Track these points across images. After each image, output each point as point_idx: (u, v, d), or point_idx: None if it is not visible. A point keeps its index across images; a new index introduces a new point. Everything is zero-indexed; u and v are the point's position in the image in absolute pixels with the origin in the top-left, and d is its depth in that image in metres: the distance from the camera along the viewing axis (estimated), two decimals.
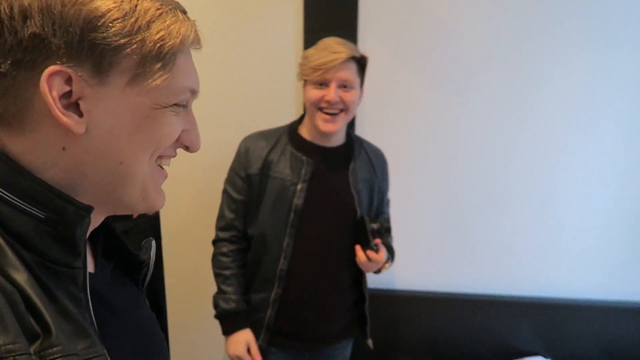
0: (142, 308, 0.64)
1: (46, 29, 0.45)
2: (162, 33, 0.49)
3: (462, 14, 1.60)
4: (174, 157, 0.58)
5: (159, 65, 0.50)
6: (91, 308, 0.51)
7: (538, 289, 1.82)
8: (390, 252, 1.44)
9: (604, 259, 1.77)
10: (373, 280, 1.79)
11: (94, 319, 0.51)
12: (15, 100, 0.47)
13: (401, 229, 1.77)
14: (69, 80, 0.47)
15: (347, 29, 1.61)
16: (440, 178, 1.74)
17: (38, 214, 0.47)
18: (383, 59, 1.65)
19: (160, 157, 0.55)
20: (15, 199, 0.47)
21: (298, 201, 1.31)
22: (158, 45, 0.49)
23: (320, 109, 1.28)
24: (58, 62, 0.46)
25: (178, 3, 0.53)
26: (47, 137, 0.48)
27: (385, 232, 1.37)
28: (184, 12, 0.54)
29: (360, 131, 1.69)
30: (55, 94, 0.46)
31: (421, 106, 1.69)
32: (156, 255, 0.70)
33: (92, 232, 0.58)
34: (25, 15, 0.45)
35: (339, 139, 1.38)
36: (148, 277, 0.67)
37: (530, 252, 1.78)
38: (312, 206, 1.33)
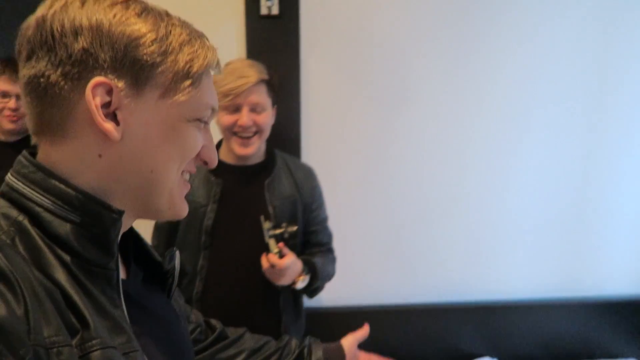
0: (170, 314, 0.68)
1: (94, 45, 0.51)
2: (191, 55, 0.56)
3: (398, 31, 1.67)
4: (193, 172, 0.63)
5: (188, 82, 0.56)
6: (124, 308, 0.55)
7: (480, 293, 1.91)
8: (313, 267, 1.37)
9: (538, 260, 1.89)
10: (318, 299, 1.81)
11: (127, 318, 0.55)
12: (60, 109, 0.52)
13: (345, 243, 1.81)
14: (109, 92, 0.52)
15: (290, 50, 1.64)
16: (382, 191, 1.79)
17: (75, 218, 0.52)
18: (326, 78, 1.69)
19: (183, 171, 0.60)
20: (54, 204, 0.52)
21: (208, 222, 1.32)
22: (188, 65, 0.56)
23: (235, 133, 1.29)
24: (102, 75, 0.52)
25: (203, 33, 0.60)
26: (85, 145, 0.53)
27: (291, 238, 1.34)
28: (207, 39, 0.60)
29: (305, 148, 1.72)
30: (98, 102, 0.52)
31: (363, 122, 1.74)
32: None
33: (123, 241, 0.63)
34: (76, 32, 0.51)
35: (256, 157, 1.38)
36: (174, 286, 0.71)
37: (470, 259, 1.87)
38: (223, 226, 1.33)
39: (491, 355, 1.91)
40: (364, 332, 1.05)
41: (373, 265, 1.86)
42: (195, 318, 0.90)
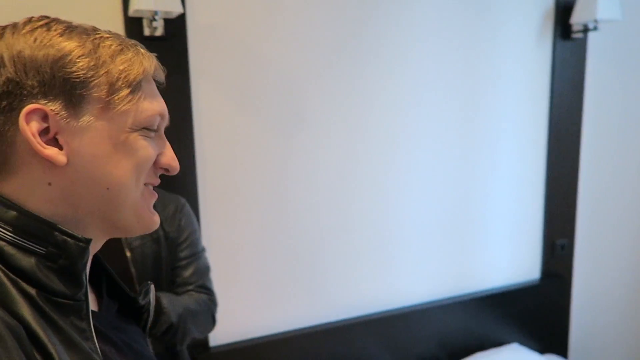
0: (145, 349, 0.66)
1: (19, 73, 0.51)
2: (125, 64, 0.55)
3: (290, 52, 1.70)
4: (156, 183, 0.62)
5: (126, 92, 0.55)
6: (96, 341, 0.53)
7: (381, 304, 1.97)
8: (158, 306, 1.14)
9: (429, 265, 2.02)
10: (223, 337, 1.72)
11: (99, 351, 0.53)
12: (1, 144, 0.52)
13: (246, 272, 1.75)
14: (45, 117, 0.52)
15: (179, 74, 1.56)
16: (280, 215, 1.77)
17: (39, 250, 0.51)
18: (218, 100, 1.64)
19: (145, 183, 0.59)
20: (15, 236, 0.51)
21: None
22: (124, 75, 0.55)
23: None
24: (34, 101, 0.51)
25: (137, 42, 0.59)
26: (33, 175, 0.52)
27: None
28: (144, 49, 0.59)
29: (201, 174, 1.64)
30: (34, 129, 0.51)
31: (258, 145, 1.71)
32: None
33: (94, 273, 0.63)
34: None
35: None
36: (149, 321, 0.69)
37: (368, 272, 1.92)
38: None
39: None
40: None
41: (277, 292, 1.81)
42: None
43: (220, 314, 1.74)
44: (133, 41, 0.59)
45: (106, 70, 0.54)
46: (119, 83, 0.54)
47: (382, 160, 1.88)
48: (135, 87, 0.55)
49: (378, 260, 1.94)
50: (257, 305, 1.79)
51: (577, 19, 1.98)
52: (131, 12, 1.45)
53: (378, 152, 1.86)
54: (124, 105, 0.54)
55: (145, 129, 0.57)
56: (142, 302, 0.67)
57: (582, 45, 2.12)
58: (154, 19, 1.46)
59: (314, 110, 1.76)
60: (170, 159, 0.61)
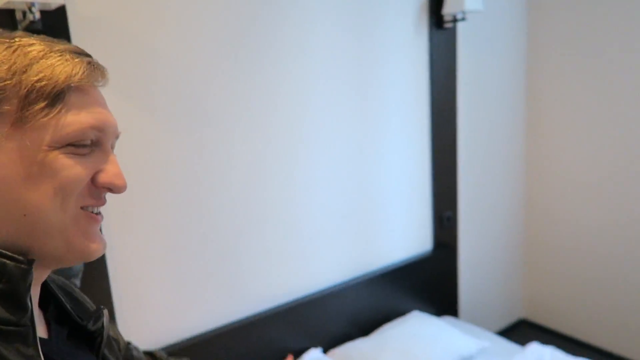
0: None
1: None
2: (42, 74, 0.49)
3: (181, 46, 1.63)
4: (101, 205, 0.56)
5: (42, 105, 0.49)
6: None
7: (292, 293, 2.01)
8: None
9: (337, 248, 2.10)
10: (152, 342, 1.64)
11: None
12: None
13: (148, 280, 1.68)
14: None
15: None
16: (181, 215, 1.72)
17: None
18: (107, 100, 1.52)
19: (82, 206, 0.53)
20: None
21: None
22: (38, 85, 0.49)
23: None
24: None
25: (71, 46, 0.54)
26: None
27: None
28: (78, 53, 0.53)
29: None
30: None
31: (156, 144, 1.63)
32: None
33: (42, 298, 0.58)
34: None
35: None
36: (103, 347, 0.64)
37: (278, 264, 1.95)
38: None
39: (315, 346, 2.03)
40: None
41: (191, 294, 1.76)
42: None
43: (133, 324, 1.65)
44: (66, 46, 0.53)
45: (16, 81, 0.48)
46: (33, 95, 0.48)
47: (285, 153, 1.90)
48: (54, 99, 0.49)
49: (289, 250, 1.96)
50: (172, 309, 1.72)
51: (447, 9, 2.17)
52: (1, 3, 1.29)
53: (280, 144, 1.88)
54: (39, 119, 0.48)
55: (72, 146, 0.51)
56: (92, 327, 0.62)
57: (453, 34, 2.32)
58: (30, 11, 1.32)
59: (215, 105, 1.72)
60: (112, 176, 0.55)
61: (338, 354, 2.01)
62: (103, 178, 0.54)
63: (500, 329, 2.84)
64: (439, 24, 2.25)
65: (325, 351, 2.05)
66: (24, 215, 0.49)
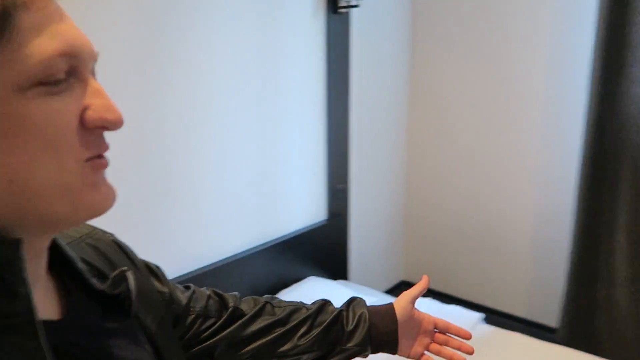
0: (134, 353, 0.54)
1: None
2: None
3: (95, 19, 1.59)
4: (105, 150, 0.46)
5: None
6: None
7: (196, 261, 2.07)
8: None
9: (238, 219, 2.19)
10: None
11: None
12: None
13: None
14: None
15: None
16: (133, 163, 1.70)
17: None
18: None
19: (89, 157, 0.44)
20: None
21: None
22: None
23: None
24: None
25: None
26: None
27: None
28: None
29: None
30: None
31: None
32: None
33: (58, 268, 0.51)
34: None
35: None
36: (133, 310, 0.55)
37: (182, 232, 1.99)
38: None
39: None
40: (421, 286, 0.86)
41: None
42: (195, 302, 0.82)
43: None
44: None
45: None
46: None
47: (191, 123, 1.94)
48: (2, 25, 0.37)
49: (193, 218, 2.02)
50: None
51: None
52: None
53: (187, 113, 1.91)
54: None
55: (42, 85, 0.40)
56: (111, 291, 0.54)
57: (346, 19, 2.50)
58: None
59: (122, 67, 1.70)
60: (102, 110, 0.44)
61: None
62: (92, 116, 0.44)
63: (386, 290, 3.15)
64: (335, 9, 2.40)
65: None
66: (10, 181, 0.40)
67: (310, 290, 2.32)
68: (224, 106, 2.04)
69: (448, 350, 0.85)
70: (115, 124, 0.45)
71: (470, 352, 0.84)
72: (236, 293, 0.90)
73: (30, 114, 0.39)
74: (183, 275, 2.00)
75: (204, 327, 0.80)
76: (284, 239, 2.39)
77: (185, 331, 0.79)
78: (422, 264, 3.22)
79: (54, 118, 0.41)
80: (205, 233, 2.08)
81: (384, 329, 0.81)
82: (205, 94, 1.96)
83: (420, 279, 0.88)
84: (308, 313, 0.84)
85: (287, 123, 2.32)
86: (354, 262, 2.89)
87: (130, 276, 0.56)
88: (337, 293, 2.30)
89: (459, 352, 0.84)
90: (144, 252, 1.86)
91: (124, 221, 1.77)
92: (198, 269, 2.05)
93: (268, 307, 0.85)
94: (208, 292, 0.87)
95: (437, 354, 0.85)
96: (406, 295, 0.85)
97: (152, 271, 0.76)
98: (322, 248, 2.60)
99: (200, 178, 2.01)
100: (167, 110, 1.85)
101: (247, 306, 0.85)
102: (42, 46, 0.39)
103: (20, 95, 0.38)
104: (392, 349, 0.83)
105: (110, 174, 0.49)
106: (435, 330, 0.87)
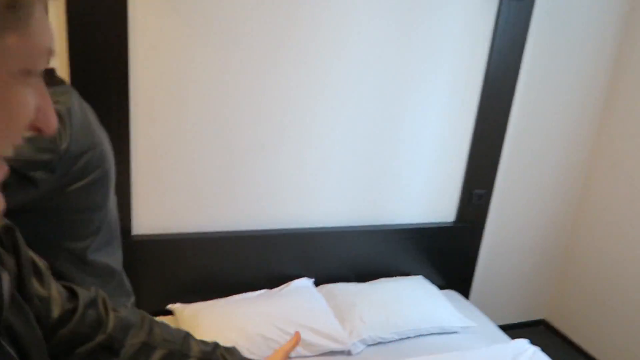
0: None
1: None
2: None
3: None
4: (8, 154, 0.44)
5: (12, 19, 0.38)
6: None
7: (298, 221, 2.13)
8: None
9: (348, 193, 2.17)
10: (141, 226, 1.87)
11: None
12: None
13: (175, 172, 1.88)
14: None
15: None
16: (215, 124, 1.88)
17: None
18: (158, 13, 1.69)
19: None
20: None
21: None
22: None
23: None
24: None
25: None
26: None
27: None
28: None
29: (133, 83, 1.72)
30: None
31: (191, 54, 1.79)
32: None
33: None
34: None
35: None
36: (2, 317, 0.50)
37: (289, 190, 2.07)
38: None
39: (308, 277, 2.16)
40: (294, 342, 0.86)
41: (205, 195, 1.95)
42: (67, 320, 0.67)
43: (145, 206, 1.89)
44: None
45: None
46: (3, 4, 0.37)
47: (314, 86, 1.97)
48: (23, 14, 0.39)
49: (306, 181, 2.07)
50: (183, 204, 1.93)
51: None
52: None
53: (312, 76, 1.96)
54: (7, 38, 0.38)
55: (28, 73, 0.41)
56: None
57: (529, 6, 2.18)
58: None
59: (252, 29, 1.82)
60: (50, 116, 0.45)
61: (326, 289, 2.13)
62: (41, 119, 0.44)
63: (512, 323, 2.76)
64: None
65: (317, 284, 2.17)
66: None
67: (408, 288, 2.17)
68: (354, 70, 2.01)
69: None
70: (50, 130, 0.46)
71: None
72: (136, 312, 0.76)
73: (11, 96, 0.40)
74: (282, 229, 2.08)
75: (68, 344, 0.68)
76: (395, 227, 2.28)
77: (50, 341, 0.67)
78: (570, 308, 2.71)
79: (25, 105, 0.42)
80: (313, 197, 2.12)
81: None
82: (335, 54, 1.95)
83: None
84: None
85: (426, 105, 2.17)
86: (480, 279, 2.60)
87: (5, 278, 0.52)
88: (434, 299, 2.12)
89: None
90: (250, 196, 2.00)
91: (238, 163, 1.88)
92: (298, 229, 2.11)
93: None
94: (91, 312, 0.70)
95: None
96: (281, 350, 0.84)
97: (37, 270, 0.65)
98: (441, 251, 2.40)
99: (316, 140, 2.04)
100: (297, 68, 1.92)
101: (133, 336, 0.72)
102: (45, 37, 0.41)
103: (10, 78, 0.40)
104: None
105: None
106: None
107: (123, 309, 0.73)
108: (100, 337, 0.67)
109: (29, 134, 0.44)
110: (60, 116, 0.88)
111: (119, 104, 1.71)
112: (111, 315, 0.70)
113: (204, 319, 1.75)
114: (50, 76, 0.97)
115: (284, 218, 2.10)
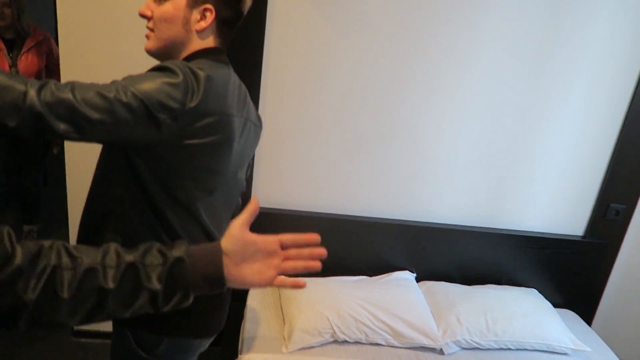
0: None
1: None
2: None
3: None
4: None
5: None
6: None
7: (409, 214, 2.12)
8: None
9: (467, 192, 2.10)
10: (265, 200, 2.01)
11: None
12: None
13: (300, 155, 1.98)
14: None
15: None
16: (338, 114, 1.95)
17: None
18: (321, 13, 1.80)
19: None
20: None
21: None
22: None
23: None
24: None
25: None
26: None
27: None
28: None
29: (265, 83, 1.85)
30: None
31: (323, 42, 1.86)
32: None
33: None
34: None
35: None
36: None
37: (406, 182, 2.06)
38: None
39: (411, 271, 2.14)
40: (251, 209, 0.80)
41: (323, 177, 2.04)
42: None
43: (266, 180, 2.03)
44: None
45: None
46: None
47: (443, 89, 1.93)
48: None
49: (428, 175, 2.06)
50: (300, 183, 2.04)
51: None
52: None
53: (436, 83, 1.92)
54: None
55: None
56: None
57: None
58: None
59: (380, 24, 1.84)
60: None
61: (427, 286, 2.10)
62: None
63: None
64: None
65: (418, 280, 2.15)
66: None
67: (518, 300, 2.02)
68: (496, 86, 1.94)
69: (301, 262, 0.81)
70: None
71: (324, 255, 0.82)
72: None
73: None
74: (394, 219, 2.10)
75: None
76: (514, 232, 2.15)
77: None
78: None
79: None
80: (434, 192, 2.09)
81: (201, 263, 0.74)
82: (477, 78, 1.90)
83: None
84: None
85: (566, 113, 2.00)
86: (607, 303, 2.34)
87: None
88: (545, 316, 1.96)
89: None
90: (372, 184, 2.05)
91: (366, 152, 1.95)
92: (410, 221, 2.11)
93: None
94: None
95: (293, 270, 0.80)
96: (235, 221, 0.78)
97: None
98: (563, 265, 2.21)
99: (445, 137, 2.01)
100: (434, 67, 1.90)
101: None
102: None
103: None
104: (220, 282, 0.76)
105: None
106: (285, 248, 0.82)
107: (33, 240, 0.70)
108: (8, 270, 0.65)
109: None
110: (198, 79, 0.99)
111: (249, 87, 1.87)
112: (17, 248, 0.67)
113: (301, 292, 1.85)
114: (219, 54, 1.11)
115: (394, 209, 2.11)
